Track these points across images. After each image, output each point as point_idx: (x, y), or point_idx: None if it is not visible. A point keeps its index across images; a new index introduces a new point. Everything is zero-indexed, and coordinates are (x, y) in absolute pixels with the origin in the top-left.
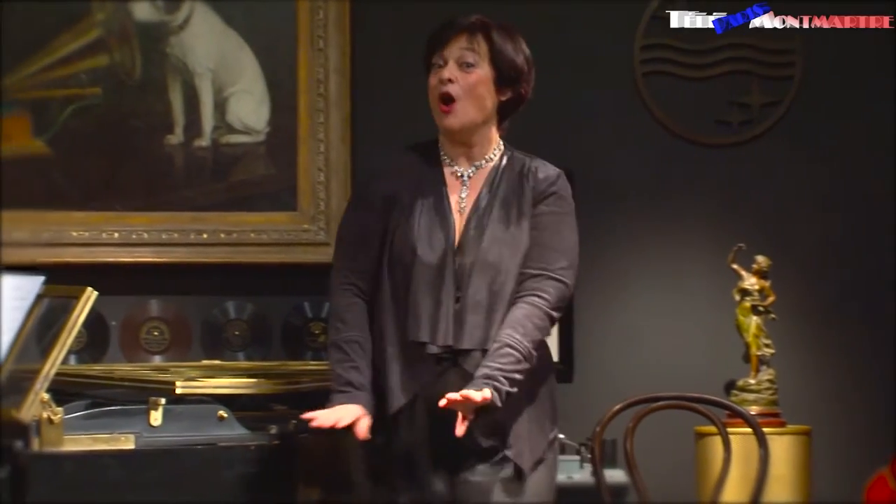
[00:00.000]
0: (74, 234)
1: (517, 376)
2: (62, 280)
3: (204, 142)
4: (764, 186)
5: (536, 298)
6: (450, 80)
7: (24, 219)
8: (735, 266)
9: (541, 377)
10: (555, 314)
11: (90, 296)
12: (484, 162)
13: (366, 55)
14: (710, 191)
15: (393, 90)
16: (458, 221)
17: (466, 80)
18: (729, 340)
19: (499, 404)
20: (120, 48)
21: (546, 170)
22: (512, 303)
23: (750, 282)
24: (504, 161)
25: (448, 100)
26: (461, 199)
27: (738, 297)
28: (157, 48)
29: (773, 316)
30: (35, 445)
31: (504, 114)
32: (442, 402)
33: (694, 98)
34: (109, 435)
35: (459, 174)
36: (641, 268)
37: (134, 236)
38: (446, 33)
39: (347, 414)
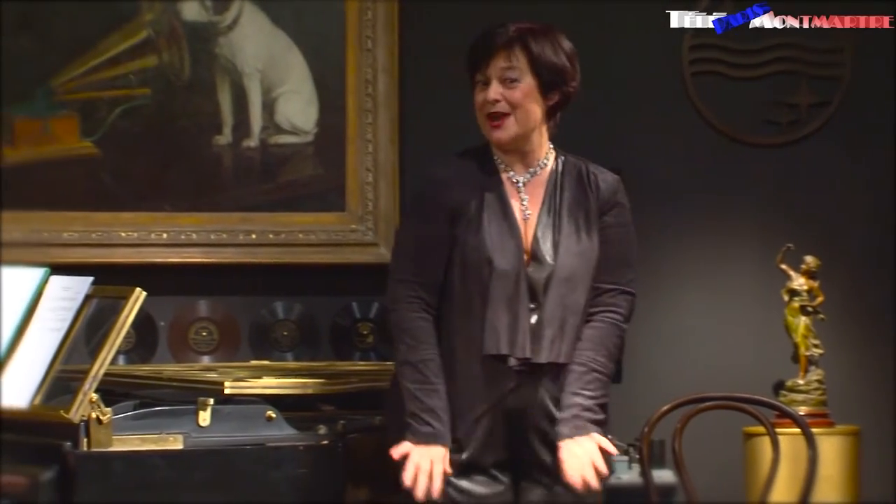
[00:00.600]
0: (123, 234)
1: (606, 401)
2: (111, 280)
3: (252, 142)
4: (812, 186)
5: (613, 315)
6: (496, 100)
7: (72, 219)
8: (784, 266)
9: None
10: (626, 327)
11: (139, 296)
12: (538, 168)
13: (414, 55)
14: (758, 191)
15: (441, 90)
16: (524, 230)
17: (512, 97)
18: (777, 341)
19: (613, 451)
20: (169, 49)
21: (606, 177)
22: (586, 317)
23: (798, 282)
24: (560, 166)
25: (496, 117)
26: (523, 206)
27: (786, 298)
28: (206, 49)
29: (821, 316)
30: (84, 446)
31: (553, 113)
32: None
33: (742, 98)
34: (158, 435)
35: (515, 181)
36: (690, 268)
37: (182, 237)
38: (484, 52)
39: (436, 468)
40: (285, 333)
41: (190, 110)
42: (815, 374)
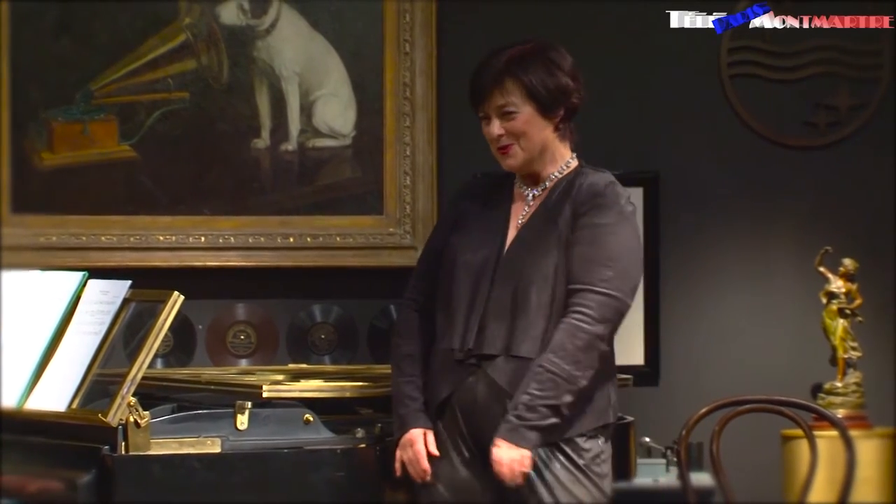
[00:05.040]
0: (161, 238)
1: (557, 402)
2: (149, 284)
3: (290, 146)
4: (851, 189)
5: (578, 315)
6: (499, 135)
7: (110, 223)
8: (822, 269)
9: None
10: (601, 329)
11: (177, 300)
12: (548, 182)
13: (452, 57)
14: (796, 193)
15: None
16: (511, 236)
17: (513, 128)
18: (816, 343)
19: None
20: (207, 52)
21: (593, 180)
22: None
23: (837, 285)
24: (570, 178)
25: (503, 147)
26: (521, 216)
27: (824, 300)
28: (244, 52)
29: (859, 319)
30: (122, 449)
31: (563, 125)
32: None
33: (781, 100)
34: (196, 438)
35: (525, 193)
36: (727, 270)
37: (221, 240)
38: (478, 91)
39: (417, 449)
40: (323, 336)
41: (228, 114)
42: (853, 376)
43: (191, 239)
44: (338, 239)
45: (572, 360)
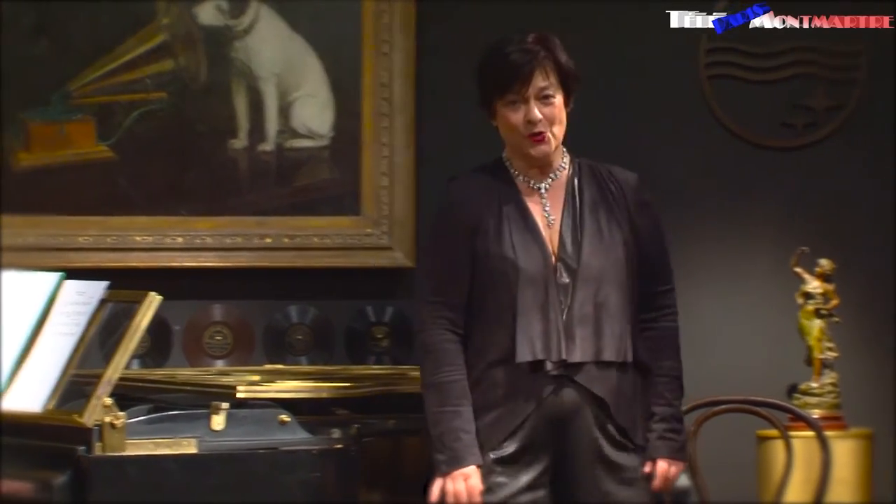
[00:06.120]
0: (138, 238)
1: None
2: (126, 284)
3: (268, 146)
4: (828, 190)
5: (672, 316)
6: (539, 120)
7: (87, 224)
8: (798, 269)
9: None
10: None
11: (153, 300)
12: (557, 172)
13: (431, 58)
14: (773, 194)
15: (458, 93)
16: (549, 235)
17: (551, 113)
18: (791, 344)
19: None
20: (185, 53)
21: (626, 176)
22: (643, 322)
23: (813, 285)
24: (577, 169)
25: (538, 133)
26: (546, 213)
27: (801, 301)
28: (222, 53)
29: (836, 319)
30: (98, 450)
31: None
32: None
33: (758, 101)
34: (172, 439)
35: (536, 187)
36: (704, 270)
37: (198, 241)
38: (514, 74)
39: (460, 490)
40: (299, 337)
41: (206, 114)
42: (829, 377)
43: (168, 239)
44: (315, 240)
45: (680, 362)
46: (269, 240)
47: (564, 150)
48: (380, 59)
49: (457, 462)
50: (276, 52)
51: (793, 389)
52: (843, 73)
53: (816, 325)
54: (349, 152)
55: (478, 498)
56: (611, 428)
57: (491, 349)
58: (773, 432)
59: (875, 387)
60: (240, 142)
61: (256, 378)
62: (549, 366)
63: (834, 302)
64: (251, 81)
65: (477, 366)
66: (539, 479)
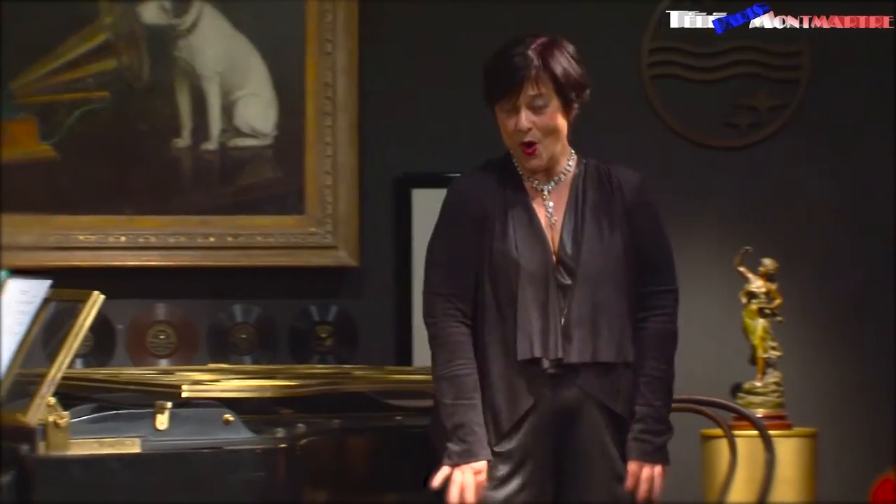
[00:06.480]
0: (81, 237)
1: (670, 407)
2: (69, 284)
3: (211, 145)
4: (771, 189)
5: (664, 317)
6: (529, 129)
7: (31, 222)
8: (742, 269)
9: None
10: (677, 326)
11: (97, 299)
12: (563, 175)
13: (374, 57)
14: (717, 194)
15: (401, 92)
16: (551, 236)
17: (543, 122)
18: (735, 343)
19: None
20: (128, 52)
21: (628, 176)
22: (636, 321)
23: (756, 284)
24: (582, 170)
25: (529, 144)
26: (549, 213)
27: (744, 300)
28: (165, 52)
29: (779, 318)
30: (41, 449)
31: (572, 119)
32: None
33: (701, 101)
34: (115, 439)
35: (540, 189)
36: None
37: (141, 240)
38: (512, 82)
39: (469, 482)
40: (243, 336)
41: (149, 113)
42: (773, 376)
43: (111, 239)
44: (259, 239)
45: (669, 362)
46: (212, 239)
47: (572, 151)
48: (323, 58)
49: (470, 455)
50: (219, 51)
51: (737, 388)
52: (786, 73)
53: (760, 324)
54: (293, 151)
55: (480, 494)
56: (613, 426)
57: (491, 346)
58: (718, 431)
59: (819, 386)
60: (183, 141)
61: (200, 377)
62: (545, 363)
63: (777, 301)
64: (194, 80)
65: (479, 360)
66: (537, 476)
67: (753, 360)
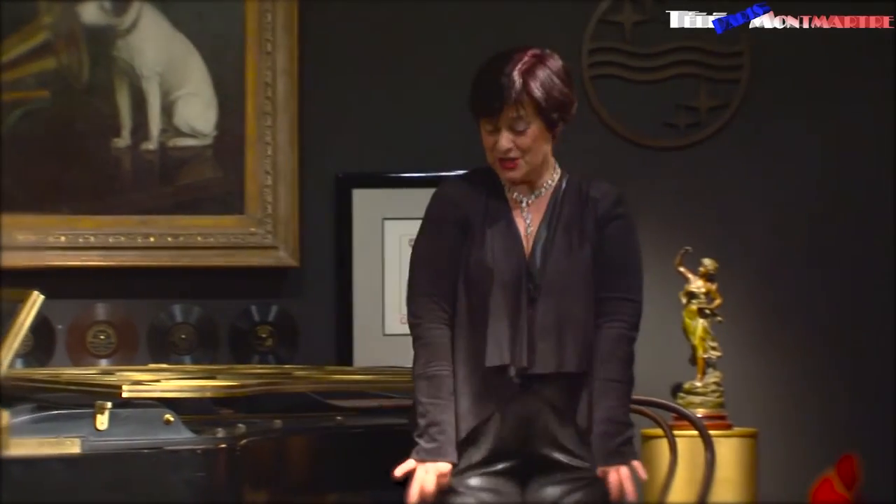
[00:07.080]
0: (21, 237)
1: (629, 407)
2: (8, 283)
3: (151, 145)
4: (711, 189)
5: (619, 323)
6: (508, 149)
7: None
8: (682, 269)
9: None
10: (635, 335)
11: (37, 299)
12: (544, 189)
13: (314, 57)
14: (657, 194)
15: (342, 92)
16: (527, 247)
17: (523, 143)
18: (675, 343)
19: (643, 475)
20: (67, 51)
21: (604, 190)
22: (594, 328)
23: (696, 284)
24: (564, 185)
25: (509, 160)
26: (527, 225)
27: (684, 300)
28: (105, 51)
29: (719, 319)
30: None
31: (558, 136)
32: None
33: (641, 101)
34: (55, 439)
35: (520, 200)
36: None
37: (81, 240)
38: (492, 105)
39: (430, 481)
40: (184, 336)
41: (89, 113)
42: (713, 376)
43: (51, 238)
44: (199, 239)
45: (625, 366)
46: (152, 239)
47: (556, 165)
48: (263, 58)
49: (438, 453)
50: (158, 50)
51: (677, 388)
52: (726, 73)
53: (700, 324)
54: (233, 151)
55: (437, 495)
56: (569, 434)
57: (463, 350)
58: (658, 431)
59: (759, 386)
60: (123, 141)
61: (141, 377)
62: (511, 371)
63: (717, 301)
64: (134, 80)
65: (454, 363)
66: (500, 483)
67: (694, 360)
